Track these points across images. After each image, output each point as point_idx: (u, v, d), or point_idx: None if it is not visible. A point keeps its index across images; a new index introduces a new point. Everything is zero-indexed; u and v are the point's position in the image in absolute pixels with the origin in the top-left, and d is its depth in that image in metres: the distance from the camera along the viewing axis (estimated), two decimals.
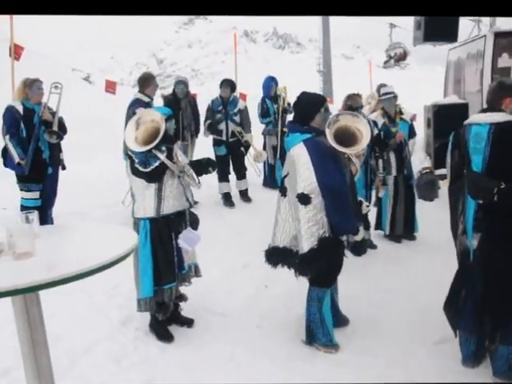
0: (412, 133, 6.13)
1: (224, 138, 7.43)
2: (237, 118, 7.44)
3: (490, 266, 3.21)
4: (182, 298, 4.07)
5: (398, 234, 6.08)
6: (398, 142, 5.80)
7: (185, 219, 3.86)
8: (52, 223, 5.76)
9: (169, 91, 7.98)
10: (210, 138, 7.56)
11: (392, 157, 5.90)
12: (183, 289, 4.02)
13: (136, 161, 3.65)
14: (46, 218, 5.62)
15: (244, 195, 7.73)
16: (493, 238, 3.19)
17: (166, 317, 3.92)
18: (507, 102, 3.21)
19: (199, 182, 3.99)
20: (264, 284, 4.70)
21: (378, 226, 6.19)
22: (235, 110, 7.44)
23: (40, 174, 5.65)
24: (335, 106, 14.73)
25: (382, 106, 5.99)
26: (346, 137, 3.54)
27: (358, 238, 3.78)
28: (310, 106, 3.70)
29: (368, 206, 3.94)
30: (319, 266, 3.53)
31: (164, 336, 3.88)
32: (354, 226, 3.64)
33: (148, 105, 6.21)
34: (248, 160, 7.93)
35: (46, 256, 2.24)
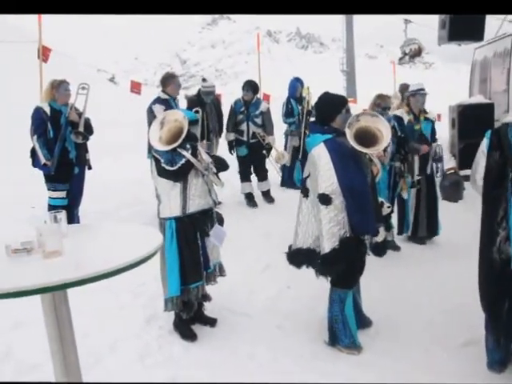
0: (433, 133, 6.03)
1: (245, 138, 7.45)
2: (258, 120, 7.43)
3: None
4: (206, 297, 4.11)
5: (421, 236, 6.02)
6: (421, 153, 5.74)
7: (211, 217, 3.92)
8: (78, 222, 5.86)
9: (192, 92, 8.04)
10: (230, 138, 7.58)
11: (416, 157, 5.85)
12: (207, 288, 4.06)
13: (162, 160, 3.70)
14: (72, 217, 5.71)
15: (266, 196, 7.75)
16: None
17: (190, 316, 3.95)
18: None
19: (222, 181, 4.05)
20: (286, 285, 4.71)
21: (401, 229, 6.10)
22: (257, 112, 7.43)
23: (67, 173, 5.76)
24: (359, 105, 14.65)
25: (407, 103, 5.91)
26: (367, 137, 3.53)
27: (379, 238, 3.77)
28: (331, 106, 3.70)
29: (389, 208, 3.91)
30: (341, 266, 3.53)
31: (187, 335, 3.91)
32: (374, 227, 3.63)
33: (167, 102, 6.31)
34: (269, 161, 7.96)
35: (73, 255, 2.30)
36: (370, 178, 3.67)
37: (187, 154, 3.70)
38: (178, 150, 3.68)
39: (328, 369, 3.49)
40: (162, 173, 3.74)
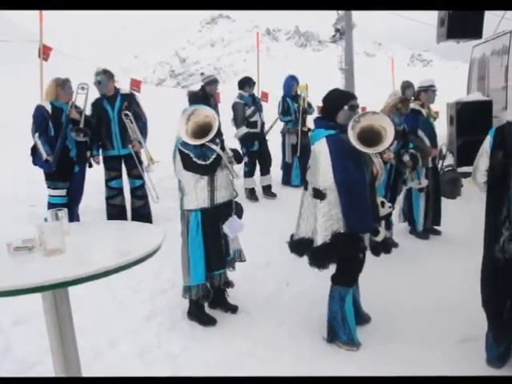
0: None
1: (258, 129, 7.68)
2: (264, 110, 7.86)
3: None
4: (229, 284, 4.27)
5: (426, 228, 6.09)
6: (431, 155, 5.81)
7: (232, 208, 4.07)
8: (78, 220, 5.88)
9: (191, 90, 8.08)
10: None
11: (429, 147, 5.90)
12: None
13: (192, 155, 3.85)
14: (72, 215, 5.73)
15: (268, 191, 7.84)
16: None
17: (208, 301, 4.12)
18: None
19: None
20: (286, 282, 4.73)
21: (411, 224, 6.17)
22: (261, 103, 7.91)
23: (67, 172, 5.78)
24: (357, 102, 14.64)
25: (418, 98, 5.97)
26: (371, 136, 3.52)
27: (379, 238, 3.76)
28: (334, 102, 3.70)
29: (390, 208, 3.91)
30: (331, 260, 3.57)
31: (207, 321, 4.06)
32: (370, 226, 3.63)
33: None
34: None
35: (75, 253, 2.31)
36: (369, 178, 3.66)
37: (217, 149, 3.89)
38: (207, 144, 3.84)
39: (327, 365, 3.50)
40: (192, 167, 3.88)
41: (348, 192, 3.48)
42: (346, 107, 3.64)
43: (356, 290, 4.00)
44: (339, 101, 3.69)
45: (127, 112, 5.94)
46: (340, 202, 3.49)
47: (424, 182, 5.88)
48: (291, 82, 8.31)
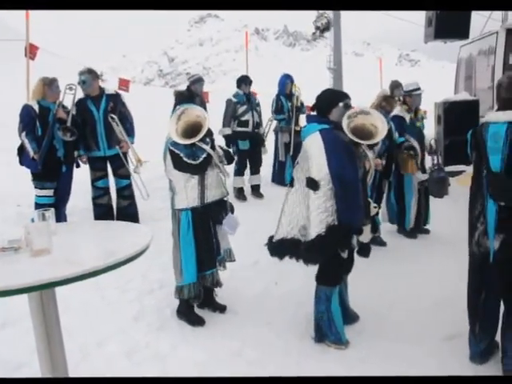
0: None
1: (250, 129, 7.66)
2: (258, 109, 7.84)
3: (509, 268, 3.18)
4: (218, 283, 4.24)
5: (416, 228, 6.12)
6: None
7: (225, 207, 4.10)
8: (65, 220, 5.84)
9: (177, 89, 8.09)
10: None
11: (418, 151, 5.96)
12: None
13: (182, 155, 3.85)
14: (59, 216, 5.69)
15: (256, 191, 7.85)
16: None
17: (199, 302, 4.11)
18: None
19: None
20: (274, 281, 4.73)
21: (400, 222, 6.19)
22: (256, 102, 7.87)
23: (54, 172, 5.74)
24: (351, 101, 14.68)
25: (403, 102, 6.02)
26: (364, 134, 3.54)
27: (365, 239, 3.74)
28: (329, 99, 3.73)
29: (376, 208, 3.92)
30: (327, 253, 3.53)
31: (196, 321, 4.06)
32: (360, 220, 3.60)
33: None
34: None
35: (62, 253, 2.30)
36: (361, 173, 3.67)
37: (208, 148, 3.89)
38: (198, 144, 3.84)
39: (315, 364, 3.52)
40: (182, 167, 3.89)
41: (343, 186, 3.47)
42: (340, 104, 3.65)
43: (344, 290, 4.01)
44: (334, 98, 3.72)
45: (113, 115, 5.89)
46: (335, 195, 3.47)
47: (424, 176, 5.92)
48: (286, 80, 8.34)
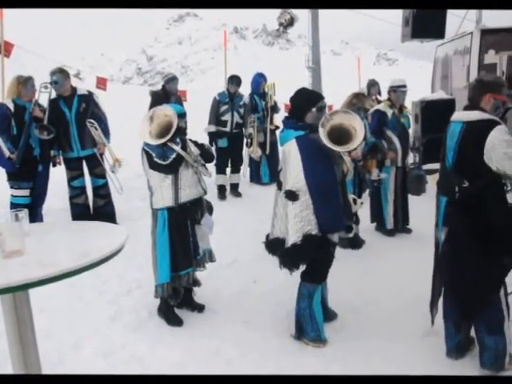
0: (409, 127, 6.29)
1: (228, 129, 7.66)
2: (241, 111, 7.78)
3: (454, 260, 3.32)
4: (196, 283, 4.26)
5: (397, 228, 6.15)
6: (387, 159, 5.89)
7: (201, 206, 4.09)
8: (42, 220, 5.76)
9: (158, 88, 8.07)
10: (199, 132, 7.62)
11: (399, 148, 5.99)
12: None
13: (154, 155, 3.85)
14: (36, 216, 5.61)
15: (235, 189, 7.86)
16: (457, 233, 3.29)
17: (177, 302, 4.09)
18: (487, 99, 3.24)
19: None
20: (252, 279, 4.73)
21: (379, 222, 6.22)
22: (241, 103, 7.80)
23: (30, 171, 5.65)
24: (325, 101, 14.70)
25: (388, 98, 6.10)
26: (341, 134, 3.52)
27: (351, 234, 3.80)
28: (302, 103, 3.70)
29: (362, 204, 3.96)
30: (301, 262, 3.60)
31: (174, 320, 4.04)
32: (343, 225, 3.66)
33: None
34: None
35: (36, 254, 2.25)
36: (340, 176, 3.67)
37: (177, 148, 3.86)
38: (169, 144, 3.83)
39: (294, 362, 3.52)
40: (154, 166, 3.89)
41: (320, 193, 3.50)
42: (313, 109, 3.64)
43: (324, 287, 4.03)
44: (307, 102, 3.69)
45: (91, 120, 5.81)
46: (312, 203, 3.50)
47: (381, 175, 5.95)
48: (259, 79, 8.33)
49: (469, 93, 3.38)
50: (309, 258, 3.60)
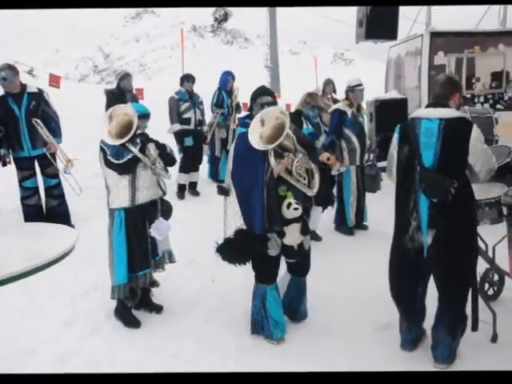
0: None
1: (192, 126, 7.64)
2: (202, 107, 7.85)
3: (443, 262, 3.32)
4: (154, 283, 4.21)
5: (355, 224, 6.27)
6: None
7: (157, 208, 4.00)
8: None
9: (106, 88, 8.00)
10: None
11: (357, 146, 6.10)
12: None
13: (108, 152, 3.78)
14: None
15: (193, 188, 7.84)
16: (447, 234, 3.28)
17: (134, 303, 4.05)
18: (456, 98, 3.32)
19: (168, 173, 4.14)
20: (211, 279, 4.71)
21: (342, 222, 6.29)
22: (199, 100, 7.86)
23: None
24: (283, 100, 14.84)
25: (346, 97, 6.18)
26: (276, 132, 3.44)
27: (293, 242, 3.66)
28: (251, 99, 3.81)
29: (296, 210, 3.56)
30: (233, 255, 3.63)
31: (131, 322, 3.99)
32: (261, 226, 3.49)
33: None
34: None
35: None
36: (268, 180, 3.50)
37: (135, 150, 3.78)
38: (127, 144, 3.75)
39: (252, 359, 3.55)
40: (108, 164, 3.82)
41: (241, 193, 3.56)
42: (255, 106, 3.75)
43: (295, 289, 4.00)
44: (252, 98, 3.81)
45: (37, 119, 5.60)
46: (237, 200, 3.59)
47: (341, 169, 6.05)
48: (227, 77, 8.37)
49: (436, 88, 3.39)
50: (244, 253, 3.63)
